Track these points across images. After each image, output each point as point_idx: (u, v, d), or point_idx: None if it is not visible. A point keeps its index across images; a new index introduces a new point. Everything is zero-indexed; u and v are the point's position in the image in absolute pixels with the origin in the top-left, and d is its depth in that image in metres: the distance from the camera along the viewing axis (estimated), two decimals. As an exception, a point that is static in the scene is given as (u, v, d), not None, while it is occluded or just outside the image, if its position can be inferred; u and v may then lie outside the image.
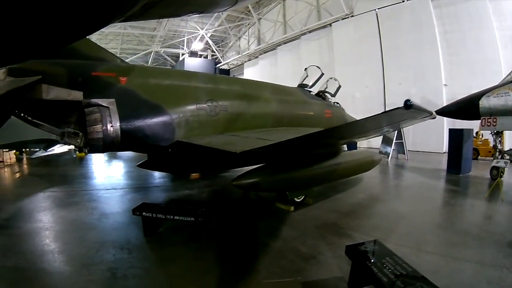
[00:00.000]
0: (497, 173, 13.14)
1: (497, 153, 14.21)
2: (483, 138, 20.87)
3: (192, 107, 8.13)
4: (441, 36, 25.07)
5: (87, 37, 7.52)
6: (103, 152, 7.06)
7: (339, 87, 14.58)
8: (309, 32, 37.16)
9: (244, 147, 6.35)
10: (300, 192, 9.41)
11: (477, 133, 21.24)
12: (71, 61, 6.84)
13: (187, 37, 51.79)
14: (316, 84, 13.95)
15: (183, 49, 55.06)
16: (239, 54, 52.38)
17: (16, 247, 6.68)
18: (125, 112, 6.86)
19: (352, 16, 32.04)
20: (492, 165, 12.80)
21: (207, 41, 53.13)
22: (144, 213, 6.92)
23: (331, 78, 14.67)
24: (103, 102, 6.61)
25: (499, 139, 14.18)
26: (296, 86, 13.71)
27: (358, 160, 11.20)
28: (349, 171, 10.80)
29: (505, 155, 14.10)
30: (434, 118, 7.76)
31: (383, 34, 29.08)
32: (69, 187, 13.10)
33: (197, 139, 7.68)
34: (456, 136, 16.10)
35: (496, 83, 13.13)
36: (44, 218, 8.87)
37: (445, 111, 15.48)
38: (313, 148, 8.83)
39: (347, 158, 10.41)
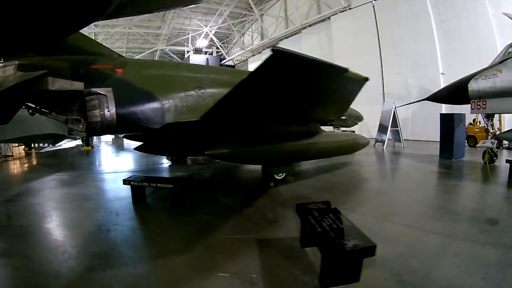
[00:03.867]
0: (489, 156, 12.80)
1: (489, 137, 14.07)
2: (480, 125, 20.65)
3: (181, 93, 8.72)
4: (438, 25, 25.23)
5: (89, 36, 8.65)
6: (101, 135, 8.09)
7: None
8: (309, 26, 37.73)
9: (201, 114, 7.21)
10: (279, 169, 10.00)
11: (474, 120, 21.60)
12: (74, 57, 7.66)
13: (192, 34, 51.79)
14: None
15: (188, 46, 54.89)
16: (243, 50, 52.56)
17: (20, 214, 7.93)
18: (120, 98, 7.59)
19: (350, 8, 32.35)
20: (478, 145, 12.73)
21: (211, 38, 53.53)
22: (132, 182, 8.13)
23: None
24: (101, 90, 7.34)
25: (491, 122, 14.24)
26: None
27: (338, 142, 11.60)
28: (327, 151, 11.16)
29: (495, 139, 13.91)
30: (365, 80, 7.21)
31: (380, 25, 29.52)
32: (74, 172, 14.03)
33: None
34: (447, 121, 16.03)
35: (492, 69, 13.04)
36: (49, 194, 10.03)
37: (436, 97, 15.55)
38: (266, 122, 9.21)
39: (326, 139, 10.76)
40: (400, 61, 28.06)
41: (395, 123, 22.49)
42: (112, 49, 9.46)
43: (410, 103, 22.07)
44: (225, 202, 8.68)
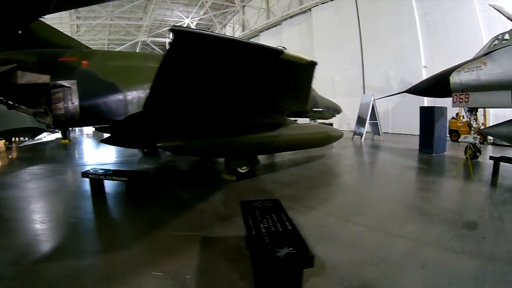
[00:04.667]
0: (471, 152, 12.33)
1: (472, 132, 13.45)
2: (463, 120, 20.21)
3: (145, 84, 8.36)
4: (421, 18, 25.12)
5: (57, 28, 8.76)
6: (66, 128, 8.57)
7: None
8: (290, 17, 37.81)
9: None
10: (241, 162, 9.83)
11: (457, 114, 21.09)
12: (41, 50, 7.72)
13: (173, 26, 50.24)
14: None
15: (169, 38, 53.50)
16: None
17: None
18: (84, 91, 7.67)
19: (331, 0, 32.13)
20: (460, 140, 12.08)
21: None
22: (90, 175, 8.02)
23: None
24: (65, 83, 7.45)
25: (474, 116, 13.48)
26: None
27: (307, 134, 11.28)
28: (293, 144, 10.90)
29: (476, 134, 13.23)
30: (312, 64, 6.89)
31: (362, 17, 29.59)
32: (46, 165, 13.91)
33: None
34: (427, 114, 15.65)
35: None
36: (13, 187, 9.80)
37: (416, 90, 14.97)
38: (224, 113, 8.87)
39: (292, 131, 10.49)
40: (381, 53, 27.97)
41: (373, 115, 22.28)
42: (94, 41, 9.36)
43: (389, 96, 21.65)
44: (182, 196, 8.43)
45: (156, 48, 56.10)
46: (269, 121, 9.85)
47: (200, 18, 50.33)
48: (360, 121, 22.73)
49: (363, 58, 29.86)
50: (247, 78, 6.79)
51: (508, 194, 8.37)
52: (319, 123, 17.61)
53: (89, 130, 34.43)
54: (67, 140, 24.31)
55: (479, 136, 12.16)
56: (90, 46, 10.19)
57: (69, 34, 37.30)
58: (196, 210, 7.05)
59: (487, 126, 16.69)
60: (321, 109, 16.40)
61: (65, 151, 20.09)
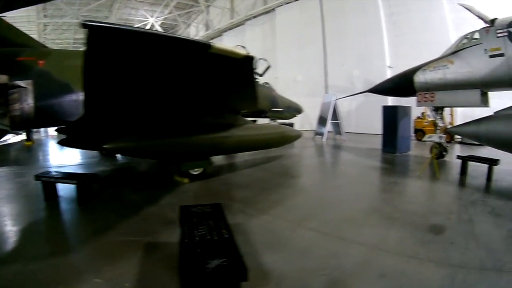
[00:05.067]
0: (436, 151, 11.98)
1: (437, 131, 12.98)
2: (429, 119, 19.62)
3: None
4: (387, 18, 25.00)
5: (25, 27, 9.50)
6: (22, 129, 8.56)
7: (268, 67, 14.80)
8: (254, 17, 37.44)
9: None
10: (192, 164, 9.43)
11: (423, 113, 20.85)
12: (0, 49, 7.65)
13: (137, 25, 49.36)
14: (260, 66, 14.26)
15: None
16: None
17: None
18: (39, 91, 7.47)
19: (296, 0, 31.77)
20: (424, 139, 11.49)
21: (156, 29, 51.16)
22: (42, 178, 7.59)
23: (260, 59, 14.54)
24: (22, 83, 7.25)
25: (440, 116, 12.98)
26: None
27: (261, 135, 10.89)
28: (246, 145, 10.49)
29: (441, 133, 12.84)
30: (248, 59, 6.37)
31: (327, 17, 29.34)
32: (6, 168, 13.13)
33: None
34: (390, 114, 15.20)
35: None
36: None
37: (379, 89, 14.47)
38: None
39: (245, 132, 10.15)
40: (345, 53, 27.78)
41: (335, 115, 21.91)
42: (61, 40, 8.96)
43: (351, 95, 21.34)
44: (133, 199, 7.97)
45: None
46: (221, 121, 9.57)
47: (165, 18, 49.86)
48: (322, 121, 22.31)
49: (326, 58, 29.67)
50: (178, 74, 6.37)
51: (478, 195, 7.84)
52: (280, 123, 17.43)
53: (54, 131, 33.08)
54: (30, 142, 23.40)
55: (445, 136, 11.76)
56: (57, 45, 9.61)
57: (36, 33, 35.89)
58: (143, 214, 6.66)
59: (454, 125, 16.24)
60: (281, 109, 16.10)
61: (27, 153, 19.16)
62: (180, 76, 6.44)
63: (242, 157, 13.67)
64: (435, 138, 11.13)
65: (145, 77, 6.07)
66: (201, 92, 7.49)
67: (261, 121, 16.67)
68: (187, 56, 5.76)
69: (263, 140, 10.93)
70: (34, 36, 36.54)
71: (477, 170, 10.03)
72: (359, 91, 19.14)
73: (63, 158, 15.91)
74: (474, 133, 9.66)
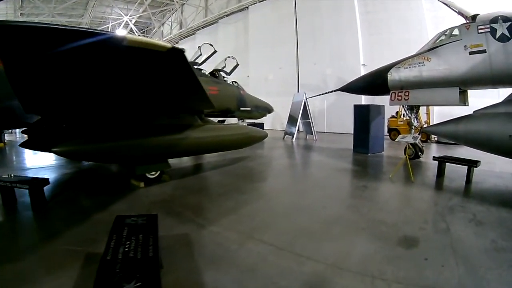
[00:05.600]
0: (412, 152, 11.61)
1: (412, 131, 12.32)
2: (404, 118, 19.30)
3: None
4: (362, 16, 24.68)
5: None
6: None
7: (236, 65, 14.98)
8: (227, 15, 37.23)
9: None
10: (147, 167, 8.90)
11: (397, 112, 20.34)
12: None
13: (112, 23, 49.36)
14: (228, 64, 14.56)
15: None
16: (160, 40, 51.41)
17: None
18: None
19: None
20: (397, 139, 10.70)
21: (131, 28, 51.36)
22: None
23: (229, 57, 14.85)
24: None
25: (415, 115, 12.32)
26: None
27: (222, 136, 10.40)
28: (204, 147, 9.95)
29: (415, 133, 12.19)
30: (172, 51, 5.52)
31: (300, 15, 28.96)
32: None
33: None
34: (362, 113, 14.55)
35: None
36: None
37: (351, 87, 13.79)
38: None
39: (203, 133, 9.69)
40: (318, 52, 27.45)
41: (306, 114, 21.22)
42: None
43: (322, 94, 20.63)
44: (85, 205, 7.44)
45: None
46: (177, 122, 9.10)
47: (139, 16, 49.49)
48: (292, 120, 21.66)
49: (298, 57, 29.29)
50: (102, 71, 5.70)
51: (457, 199, 7.01)
52: (248, 123, 17.77)
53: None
54: (1, 144, 22.42)
55: (419, 136, 11.01)
56: None
57: None
58: (91, 221, 6.20)
59: (430, 124, 16.08)
60: (249, 108, 15.78)
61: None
62: (105, 73, 5.79)
63: (206, 158, 13.14)
64: (408, 138, 10.28)
65: (70, 75, 5.48)
66: (133, 90, 6.76)
67: (231, 121, 16.93)
68: (105, 51, 5.15)
69: (224, 142, 10.45)
70: (11, 34, 35.92)
71: (455, 171, 9.40)
72: (331, 90, 18.38)
73: (30, 161, 15.07)
74: (452, 133, 9.09)
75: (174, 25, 50.28)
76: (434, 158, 9.41)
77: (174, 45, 5.38)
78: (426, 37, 19.14)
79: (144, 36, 54.79)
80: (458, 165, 8.97)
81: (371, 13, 24.17)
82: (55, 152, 7.26)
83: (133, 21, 49.47)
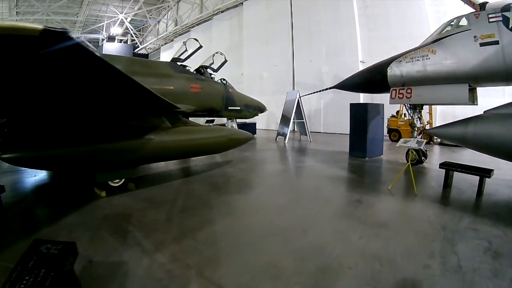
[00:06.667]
0: (414, 157, 10.49)
1: (415, 133, 11.11)
2: (405, 118, 18.46)
3: None
4: (361, 11, 23.79)
5: None
6: None
7: (224, 62, 14.48)
8: (222, 12, 36.78)
9: None
10: (109, 174, 8.06)
11: (397, 112, 19.26)
12: None
13: (107, 21, 50.36)
14: (216, 61, 14.12)
15: (102, 34, 53.32)
16: (156, 38, 51.97)
17: None
18: None
19: None
20: (398, 144, 9.33)
21: (127, 26, 51.71)
22: None
23: (217, 53, 14.32)
24: None
25: (418, 115, 11.17)
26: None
27: (197, 139, 9.49)
28: (174, 151, 9.03)
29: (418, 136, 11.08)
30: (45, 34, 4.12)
31: (296, 11, 28.30)
32: None
33: None
34: (358, 112, 13.26)
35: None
36: None
37: (347, 85, 12.70)
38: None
39: (172, 137, 8.77)
40: (314, 48, 26.66)
41: (299, 114, 20.17)
42: None
43: (315, 92, 19.19)
44: (39, 215, 6.82)
45: (90, 45, 55.01)
46: (136, 124, 8.14)
47: (135, 14, 49.60)
48: (285, 120, 20.66)
49: (294, 54, 28.55)
50: None
51: (468, 219, 5.73)
52: (240, 123, 17.61)
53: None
54: None
55: (424, 140, 9.25)
56: None
57: None
58: (36, 236, 5.18)
59: (433, 125, 15.34)
60: (238, 108, 15.14)
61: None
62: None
63: (186, 163, 12.21)
64: (412, 143, 8.66)
65: None
66: (45, 90, 5.63)
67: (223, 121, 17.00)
68: None
69: (198, 146, 9.50)
70: (7, 33, 35.77)
71: (464, 179, 8.32)
72: (325, 88, 17.49)
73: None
74: (460, 136, 7.93)
75: (170, 22, 49.92)
76: (441, 166, 8.19)
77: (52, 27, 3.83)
78: (428, 32, 18.38)
79: (140, 34, 56.02)
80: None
81: (370, 8, 23.26)
82: (1, 159, 6.79)
83: (129, 19, 49.48)
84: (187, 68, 12.88)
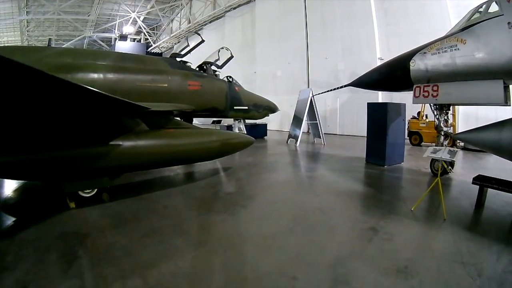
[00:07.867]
0: (442, 167, 8.42)
1: (442, 138, 9.63)
2: (427, 120, 17.16)
3: None
4: (378, 5, 22.91)
5: (7, 23, 8.93)
6: None
7: (230, 57, 14.29)
8: (234, 9, 36.73)
9: None
10: (79, 183, 7.29)
11: (419, 113, 17.87)
12: None
13: (119, 20, 50.41)
14: (222, 57, 14.02)
15: (114, 33, 52.93)
16: (169, 36, 52.17)
17: None
18: None
19: None
20: (426, 155, 7.84)
21: (140, 25, 52.06)
22: None
23: (222, 48, 14.26)
24: None
25: (445, 116, 9.64)
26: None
27: (185, 145, 8.46)
28: (148, 159, 7.79)
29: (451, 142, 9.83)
30: None
31: (310, 6, 27.58)
32: None
33: None
34: (377, 113, 11.92)
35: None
36: None
37: (364, 82, 11.45)
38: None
39: (147, 141, 7.66)
40: (330, 45, 25.78)
41: (312, 114, 18.94)
42: (44, 37, 10.26)
43: (329, 91, 17.56)
44: (3, 228, 6.26)
45: (103, 44, 55.60)
46: (99, 128, 7.18)
47: (148, 13, 50.07)
48: (296, 121, 19.36)
49: (308, 51, 27.68)
50: None
51: (507, 258, 4.43)
52: (248, 124, 18.10)
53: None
54: None
55: (458, 150, 7.64)
56: (39, 42, 8.77)
57: (19, 30, 38.66)
58: None
59: (456, 128, 14.47)
60: (245, 107, 14.71)
61: None
62: None
63: (178, 170, 11.11)
64: (443, 153, 7.05)
65: None
66: None
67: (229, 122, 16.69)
68: None
69: (183, 152, 8.45)
70: (17, 33, 38.04)
71: (498, 194, 6.84)
72: (340, 86, 16.37)
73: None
74: (494, 143, 6.76)
75: (183, 20, 49.89)
76: (474, 182, 6.71)
77: None
78: (449, 27, 17.51)
79: (154, 33, 56.50)
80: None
81: (387, 1, 22.30)
82: None
83: (141, 17, 50.02)
84: (187, 64, 12.45)
